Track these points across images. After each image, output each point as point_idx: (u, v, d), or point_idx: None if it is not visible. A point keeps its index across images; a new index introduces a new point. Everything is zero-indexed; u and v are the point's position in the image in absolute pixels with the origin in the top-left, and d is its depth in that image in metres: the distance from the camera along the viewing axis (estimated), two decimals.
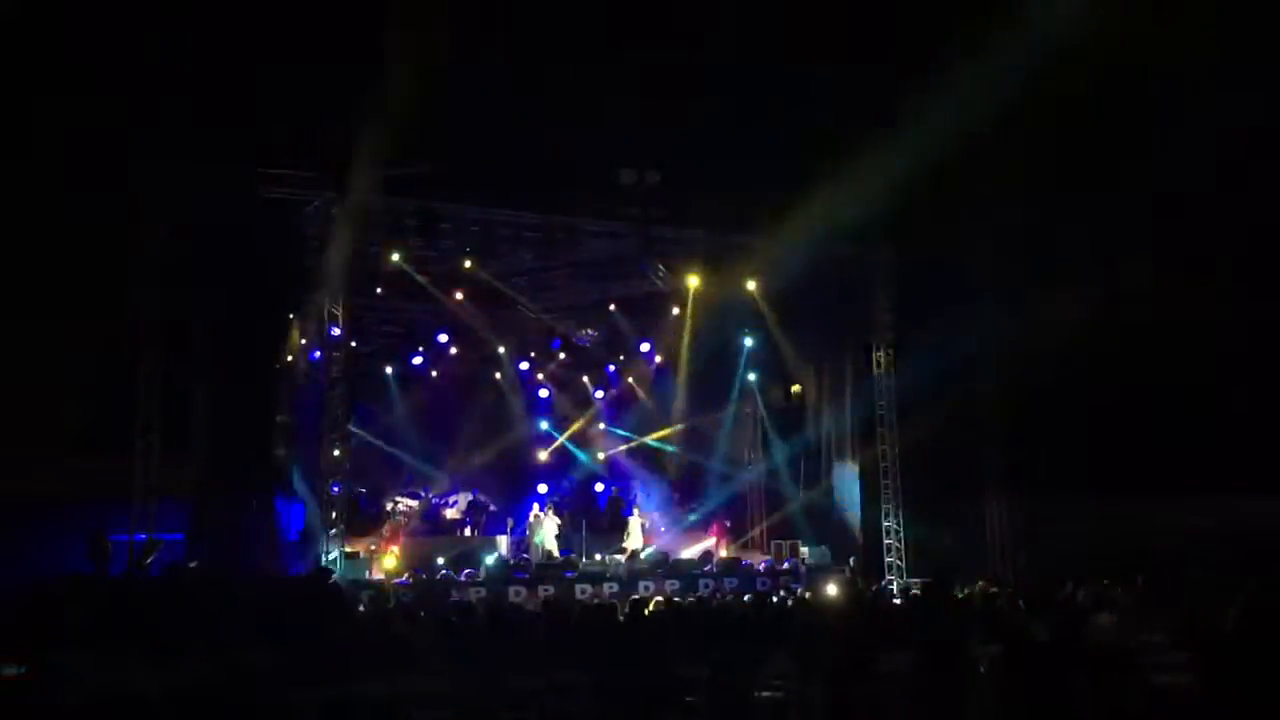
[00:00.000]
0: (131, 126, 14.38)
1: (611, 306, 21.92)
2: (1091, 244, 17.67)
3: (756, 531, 22.72)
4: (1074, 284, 17.23)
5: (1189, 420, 17.75)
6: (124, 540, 14.80)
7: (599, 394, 23.75)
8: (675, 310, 21.05)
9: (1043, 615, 10.51)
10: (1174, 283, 16.80)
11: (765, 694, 8.78)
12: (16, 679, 6.91)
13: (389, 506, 21.03)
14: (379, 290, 19.31)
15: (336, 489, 16.89)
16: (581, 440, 23.51)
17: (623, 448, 23.81)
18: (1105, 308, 17.19)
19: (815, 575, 18.47)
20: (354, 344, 18.57)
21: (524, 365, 22.93)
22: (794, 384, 21.92)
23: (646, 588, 17.48)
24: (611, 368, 23.77)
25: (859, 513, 20.27)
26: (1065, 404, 17.95)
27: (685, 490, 23.42)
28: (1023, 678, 7.32)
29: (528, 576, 17.89)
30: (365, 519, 19.81)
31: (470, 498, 21.99)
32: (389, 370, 21.78)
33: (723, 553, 20.96)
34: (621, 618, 10.79)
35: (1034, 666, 7.47)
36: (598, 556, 19.90)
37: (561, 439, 23.14)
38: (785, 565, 19.96)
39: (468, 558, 18.81)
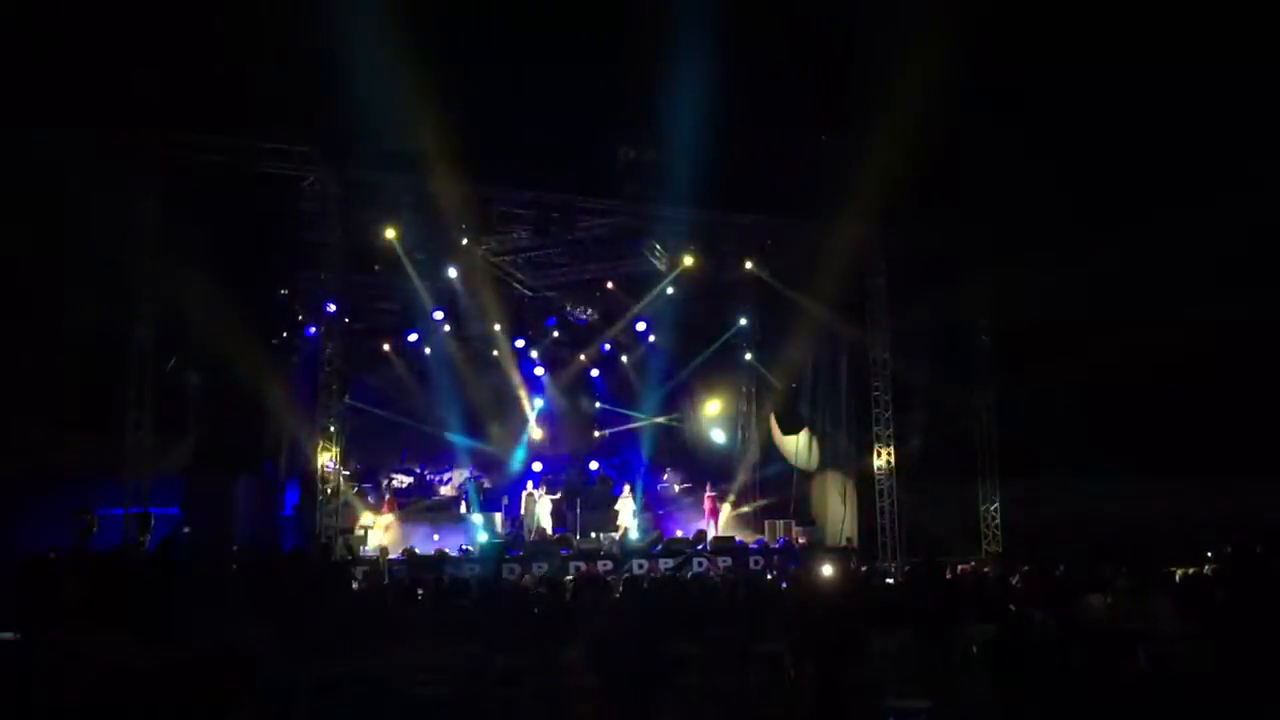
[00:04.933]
0: (128, 101, 14.29)
1: (608, 284, 21.89)
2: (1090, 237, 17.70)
3: (751, 509, 22.75)
4: (1070, 269, 17.29)
5: (1183, 404, 17.83)
6: (118, 514, 14.79)
7: (594, 372, 23.73)
8: (670, 289, 21.03)
9: (1035, 597, 10.56)
10: (1170, 271, 16.88)
11: (758, 672, 8.84)
12: (11, 645, 6.93)
13: (384, 483, 21.06)
14: (375, 267, 19.24)
15: (331, 466, 16.90)
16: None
17: (618, 427, 23.85)
18: (1101, 292, 17.25)
19: (809, 555, 18.50)
20: (350, 320, 18.53)
21: (519, 343, 22.89)
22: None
23: (640, 566, 17.53)
24: (607, 346, 23.73)
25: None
26: (1060, 387, 17.99)
27: (676, 468, 23.44)
28: (1018, 658, 7.36)
29: (521, 554, 17.94)
30: (360, 495, 19.83)
31: (465, 475, 22.01)
32: (385, 347, 21.74)
33: (716, 530, 20.99)
34: (616, 596, 10.83)
35: (1029, 647, 7.51)
36: (592, 535, 19.95)
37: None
38: (779, 544, 20.00)
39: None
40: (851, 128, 16.80)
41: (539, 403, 22.95)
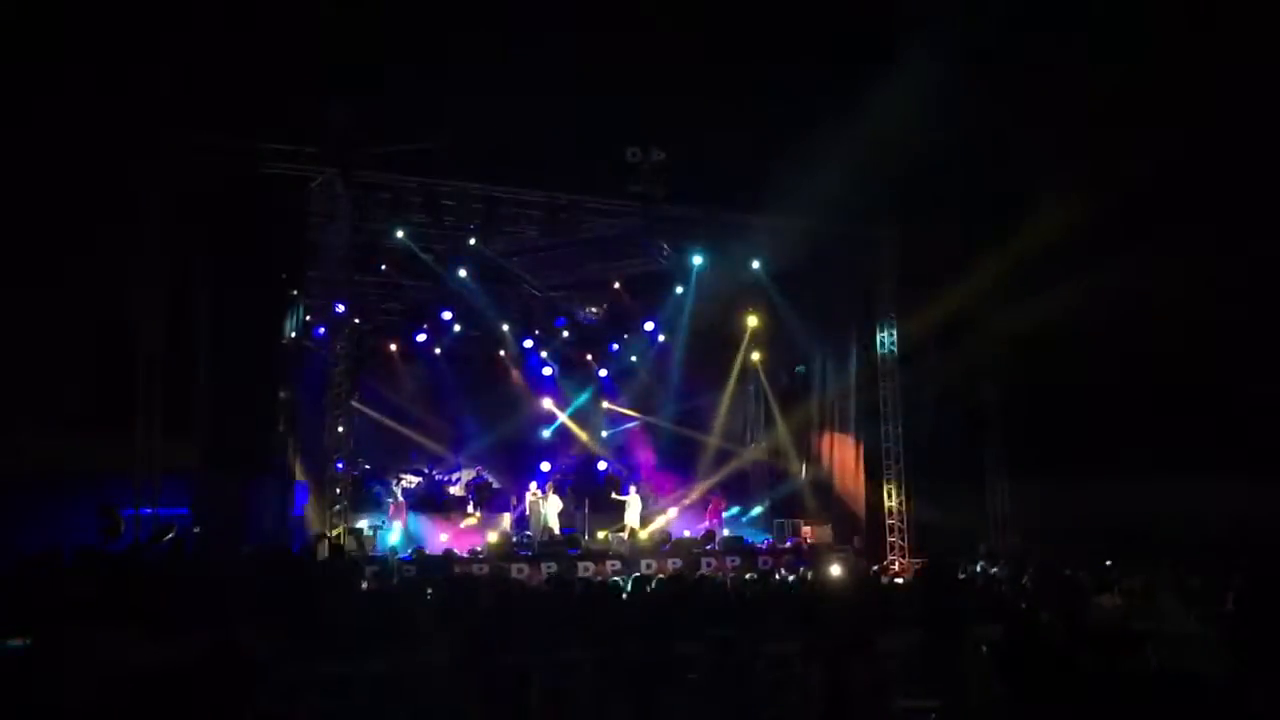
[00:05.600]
0: (135, 99, 14.32)
1: (616, 285, 21.90)
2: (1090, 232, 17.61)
3: (756, 509, 22.77)
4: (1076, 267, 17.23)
5: (1192, 403, 17.74)
6: (129, 515, 14.81)
7: (602, 372, 23.75)
8: (679, 289, 21.02)
9: (1045, 597, 10.53)
10: (1174, 270, 16.78)
11: (766, 672, 8.81)
12: (21, 651, 6.93)
13: (392, 483, 21.09)
14: (383, 267, 19.28)
15: (340, 466, 16.92)
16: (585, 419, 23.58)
17: (626, 426, 23.87)
18: (1109, 291, 17.16)
19: (817, 554, 18.49)
20: (357, 321, 18.55)
21: (528, 343, 22.92)
22: (798, 365, 21.97)
23: (649, 566, 17.52)
24: (615, 346, 23.75)
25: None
26: (1069, 385, 17.93)
27: (686, 468, 23.43)
28: (1024, 660, 7.33)
29: (530, 554, 17.97)
30: (368, 495, 19.87)
31: (473, 475, 22.04)
32: (392, 348, 21.79)
33: (724, 531, 20.99)
34: (624, 595, 10.82)
35: (1035, 648, 7.47)
36: (600, 534, 19.96)
37: (563, 417, 23.16)
38: (787, 544, 19.99)
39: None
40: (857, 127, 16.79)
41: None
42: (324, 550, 15.46)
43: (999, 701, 7.42)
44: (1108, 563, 13.26)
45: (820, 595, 11.31)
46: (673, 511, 21.84)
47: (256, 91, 14.73)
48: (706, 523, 21.32)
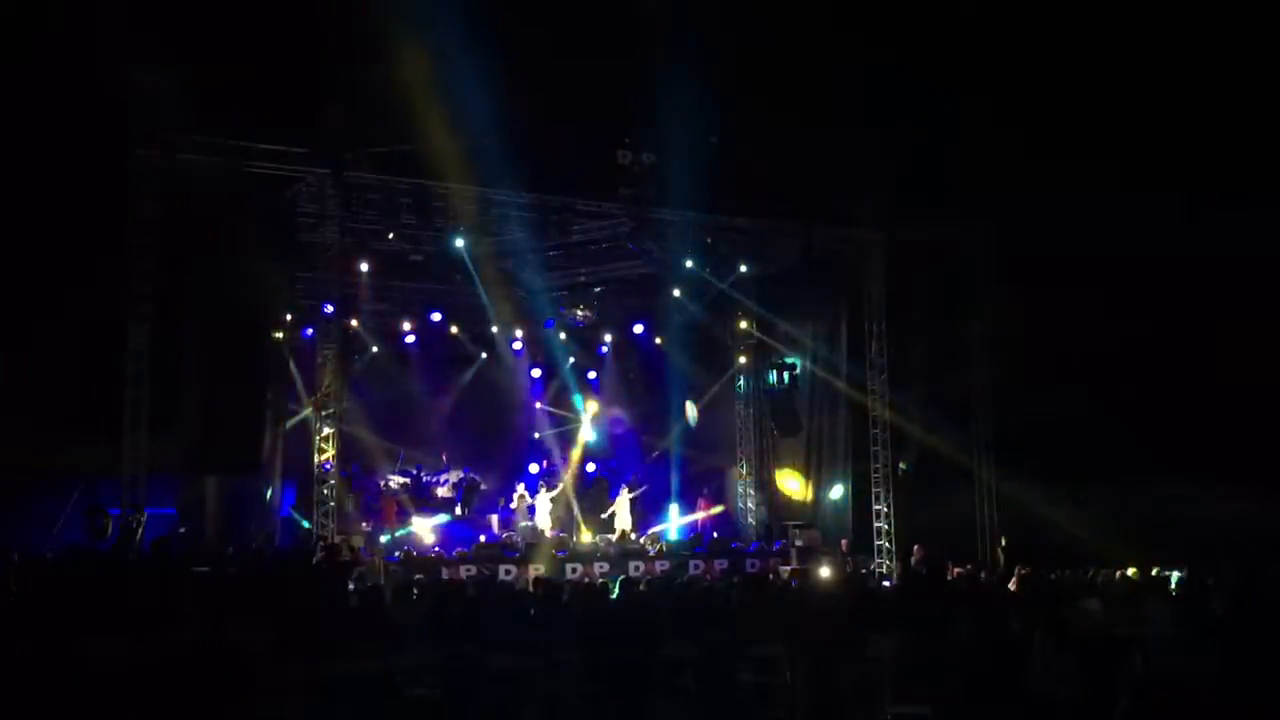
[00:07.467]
0: (125, 98, 14.27)
1: (607, 287, 21.89)
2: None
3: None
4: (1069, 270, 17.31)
5: (1187, 409, 17.82)
6: (115, 514, 14.76)
7: (591, 374, 23.75)
8: (675, 292, 21.04)
9: (1032, 600, 10.55)
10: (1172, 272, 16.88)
11: (754, 675, 8.82)
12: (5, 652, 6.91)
13: (380, 484, 21.05)
14: (364, 266, 19.23)
15: (327, 466, 16.88)
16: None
17: (615, 428, 23.85)
18: (1106, 295, 17.26)
19: (806, 557, 18.49)
20: (347, 322, 18.51)
21: (516, 345, 22.91)
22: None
23: (637, 568, 17.51)
24: (603, 349, 23.76)
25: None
26: (1059, 390, 17.99)
27: (673, 471, 23.43)
28: (993, 661, 7.37)
29: (518, 555, 17.95)
30: (356, 496, 19.82)
31: (461, 476, 22.01)
32: (380, 348, 21.75)
33: (713, 533, 21.00)
34: (612, 598, 10.81)
35: (1002, 650, 7.52)
36: (587, 536, 19.94)
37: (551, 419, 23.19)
38: (776, 546, 19.99)
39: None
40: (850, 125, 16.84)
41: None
42: (310, 550, 15.42)
43: (987, 705, 7.45)
44: (1095, 567, 13.31)
45: (809, 598, 11.32)
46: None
47: (247, 91, 14.70)
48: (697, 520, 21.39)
